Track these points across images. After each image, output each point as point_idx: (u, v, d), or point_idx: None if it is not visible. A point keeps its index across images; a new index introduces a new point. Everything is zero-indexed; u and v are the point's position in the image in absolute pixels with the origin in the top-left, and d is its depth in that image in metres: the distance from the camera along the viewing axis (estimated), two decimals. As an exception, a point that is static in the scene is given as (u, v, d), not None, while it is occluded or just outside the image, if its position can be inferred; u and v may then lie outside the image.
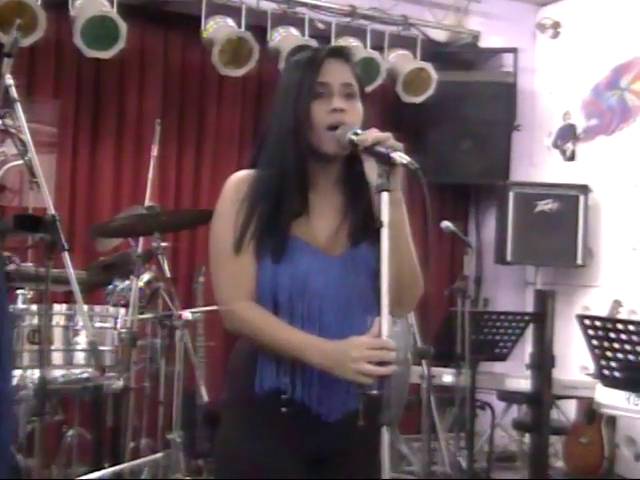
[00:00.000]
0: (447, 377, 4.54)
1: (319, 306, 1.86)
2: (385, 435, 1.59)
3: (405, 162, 1.72)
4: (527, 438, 4.94)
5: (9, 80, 2.74)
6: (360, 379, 1.70)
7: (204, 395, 3.80)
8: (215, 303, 1.93)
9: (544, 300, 4.17)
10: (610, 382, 3.58)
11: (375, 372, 1.68)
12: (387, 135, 1.77)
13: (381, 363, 1.68)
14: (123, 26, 4.68)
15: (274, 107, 1.94)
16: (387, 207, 1.71)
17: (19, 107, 2.78)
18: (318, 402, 1.85)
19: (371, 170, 1.79)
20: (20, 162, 3.17)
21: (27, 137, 2.83)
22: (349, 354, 1.72)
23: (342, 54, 1.95)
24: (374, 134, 1.78)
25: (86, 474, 3.55)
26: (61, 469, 4.28)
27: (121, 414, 3.92)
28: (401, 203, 1.84)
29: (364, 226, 1.89)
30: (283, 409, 1.84)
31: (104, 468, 3.59)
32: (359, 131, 1.82)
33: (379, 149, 1.75)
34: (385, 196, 1.72)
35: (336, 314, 1.87)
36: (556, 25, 6.17)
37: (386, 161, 1.73)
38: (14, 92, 2.76)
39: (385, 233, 1.70)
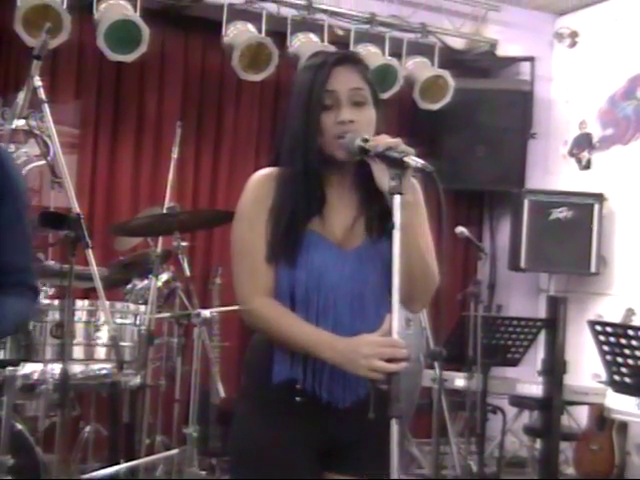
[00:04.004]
0: (459, 381, 4.58)
1: (334, 300, 1.91)
2: (394, 428, 1.64)
3: (420, 165, 1.77)
4: (538, 444, 4.96)
5: (37, 82, 2.81)
6: (371, 375, 1.75)
7: (221, 391, 3.85)
8: (231, 304, 1.99)
9: (556, 306, 4.20)
10: (621, 388, 3.60)
11: (385, 369, 1.73)
12: (398, 140, 1.81)
13: (391, 360, 1.73)
14: (146, 30, 4.75)
15: (289, 111, 1.98)
16: (399, 210, 1.76)
17: (47, 108, 2.85)
18: (328, 390, 1.91)
19: (380, 174, 1.84)
20: (42, 162, 3.22)
21: (54, 137, 2.89)
22: (360, 351, 1.77)
23: (350, 60, 1.97)
24: (385, 140, 1.82)
25: (101, 469, 3.61)
26: (77, 464, 4.35)
27: (137, 411, 3.97)
28: (414, 205, 1.88)
29: (381, 220, 1.93)
30: (297, 399, 1.90)
31: (119, 464, 3.65)
32: (368, 137, 1.86)
33: (392, 154, 1.79)
34: (397, 199, 1.77)
35: (350, 308, 1.92)
36: (574, 34, 6.20)
37: (398, 165, 1.77)
38: (42, 93, 2.83)
39: (397, 235, 1.75)
